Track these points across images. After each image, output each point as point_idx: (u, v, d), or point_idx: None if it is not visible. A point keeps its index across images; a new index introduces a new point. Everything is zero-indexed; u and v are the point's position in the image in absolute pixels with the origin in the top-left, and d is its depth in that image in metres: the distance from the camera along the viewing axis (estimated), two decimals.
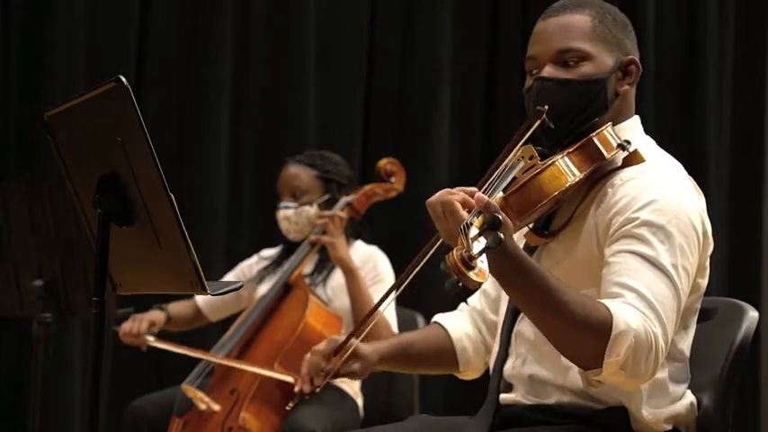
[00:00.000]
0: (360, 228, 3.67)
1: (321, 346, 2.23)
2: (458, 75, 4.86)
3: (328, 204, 3.57)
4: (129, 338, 3.46)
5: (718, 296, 2.27)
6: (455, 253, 1.69)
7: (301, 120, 4.63)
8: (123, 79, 1.77)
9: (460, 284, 1.69)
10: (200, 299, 3.72)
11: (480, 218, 1.78)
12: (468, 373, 2.36)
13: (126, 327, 3.47)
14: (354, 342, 2.20)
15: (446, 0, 4.85)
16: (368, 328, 2.20)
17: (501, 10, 4.94)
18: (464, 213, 1.83)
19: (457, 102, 4.86)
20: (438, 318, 2.38)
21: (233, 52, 4.58)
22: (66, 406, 4.28)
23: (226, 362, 3.39)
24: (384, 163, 3.59)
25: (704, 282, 2.09)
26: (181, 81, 4.55)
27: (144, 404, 3.48)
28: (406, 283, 2.14)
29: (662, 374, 2.05)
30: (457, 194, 1.88)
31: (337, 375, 2.22)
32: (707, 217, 2.06)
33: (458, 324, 2.34)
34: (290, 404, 2.30)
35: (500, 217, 1.74)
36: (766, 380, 4.94)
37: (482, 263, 1.69)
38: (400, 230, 4.58)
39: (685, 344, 2.10)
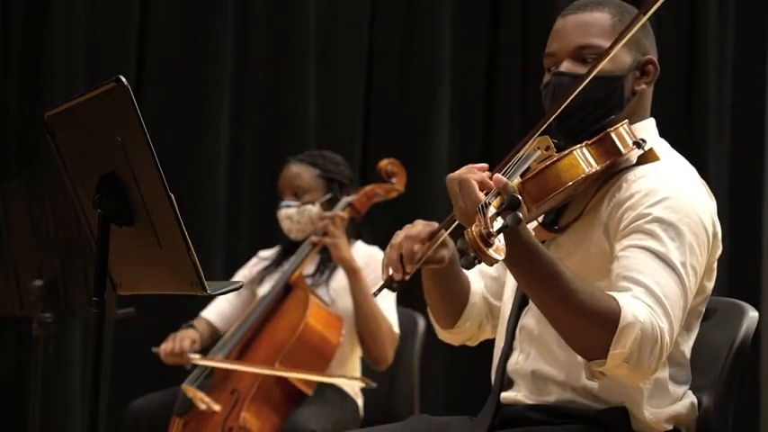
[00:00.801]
0: (360, 228, 3.67)
1: (415, 230, 2.14)
2: (458, 75, 4.86)
3: (330, 204, 3.57)
4: (172, 358, 3.41)
5: (719, 296, 2.26)
6: (474, 229, 1.71)
7: (301, 120, 4.63)
8: (123, 79, 1.77)
9: (477, 261, 1.72)
10: (210, 315, 3.69)
11: (498, 198, 1.80)
12: (455, 334, 2.31)
13: (167, 347, 3.42)
14: (445, 232, 2.13)
15: (446, 0, 4.85)
16: (455, 222, 2.09)
17: (501, 10, 4.94)
18: (480, 194, 1.85)
19: (457, 102, 4.86)
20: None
21: (233, 52, 4.58)
22: (66, 406, 4.28)
23: (284, 373, 3.35)
24: (385, 163, 3.59)
25: (711, 284, 2.09)
26: (181, 81, 4.54)
27: (144, 404, 3.48)
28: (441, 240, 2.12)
29: (663, 374, 2.05)
30: (477, 174, 1.90)
31: (428, 262, 2.14)
32: (717, 220, 2.07)
33: (475, 282, 2.32)
34: (376, 291, 2.18)
35: (519, 198, 1.76)
36: (766, 380, 4.94)
37: (499, 241, 1.72)
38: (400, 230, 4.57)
39: (687, 346, 2.10)
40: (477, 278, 2.34)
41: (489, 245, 1.70)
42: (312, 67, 4.66)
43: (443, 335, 2.34)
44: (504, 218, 1.73)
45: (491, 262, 1.71)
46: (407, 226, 2.16)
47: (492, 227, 1.71)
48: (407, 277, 2.12)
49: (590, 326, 1.87)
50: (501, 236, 1.72)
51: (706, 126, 4.96)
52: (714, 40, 5.00)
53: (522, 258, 1.88)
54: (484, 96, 4.93)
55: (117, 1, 4.46)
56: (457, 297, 2.28)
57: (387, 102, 4.84)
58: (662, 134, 2.21)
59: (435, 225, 2.15)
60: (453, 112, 4.85)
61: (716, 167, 4.95)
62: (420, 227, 2.15)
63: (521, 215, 1.73)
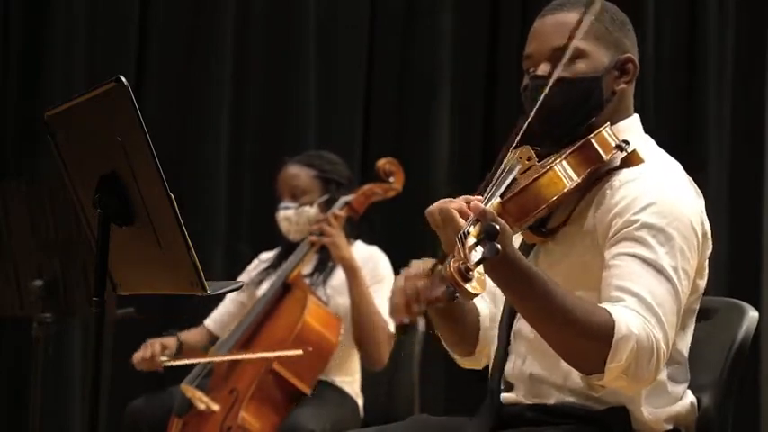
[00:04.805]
0: (359, 228, 3.67)
1: (413, 269, 1.99)
2: (458, 75, 4.86)
3: (328, 204, 3.57)
4: (145, 364, 3.45)
5: (718, 296, 2.26)
6: (452, 264, 1.68)
7: (301, 120, 4.63)
8: (123, 79, 1.78)
9: (457, 294, 1.69)
10: (209, 322, 3.71)
11: (478, 226, 1.77)
12: (476, 360, 2.27)
13: (138, 355, 3.46)
14: (441, 267, 2.01)
15: (446, 0, 4.85)
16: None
17: (501, 10, 4.94)
18: (461, 222, 1.82)
19: (457, 102, 4.86)
20: None
21: (233, 52, 4.58)
22: (66, 406, 4.28)
23: (242, 356, 3.38)
24: (383, 163, 3.59)
25: (703, 282, 2.08)
26: (181, 81, 4.54)
27: (144, 404, 3.48)
28: None
29: (661, 375, 2.05)
30: (455, 203, 1.87)
31: (434, 301, 1.96)
32: (706, 218, 2.06)
33: (481, 305, 2.29)
34: (396, 335, 2.09)
35: (497, 227, 1.72)
36: (766, 380, 4.94)
37: (480, 273, 1.69)
38: (399, 230, 4.58)
39: (684, 344, 2.10)
40: (481, 301, 2.31)
41: (468, 279, 1.67)
42: (312, 67, 4.66)
43: (465, 363, 2.29)
44: (483, 247, 1.70)
45: (470, 298, 1.69)
46: (404, 269, 2.05)
47: (470, 259, 1.68)
48: (419, 317, 2.00)
49: (585, 341, 1.86)
50: (481, 267, 1.69)
51: (706, 126, 4.95)
52: (714, 40, 5.00)
53: (511, 280, 1.86)
54: (484, 96, 4.93)
55: (117, 1, 4.46)
56: (467, 326, 2.25)
57: (387, 102, 4.84)
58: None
59: (431, 261, 2.06)
60: (453, 112, 4.85)
61: (716, 167, 4.94)
62: (417, 265, 2.04)
63: (499, 246, 1.68)
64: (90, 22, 4.40)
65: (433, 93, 4.81)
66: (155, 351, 3.44)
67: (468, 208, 1.84)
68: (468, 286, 1.67)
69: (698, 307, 2.11)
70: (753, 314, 2.23)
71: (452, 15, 4.86)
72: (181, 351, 3.52)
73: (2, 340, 4.31)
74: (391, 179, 3.58)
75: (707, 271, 2.09)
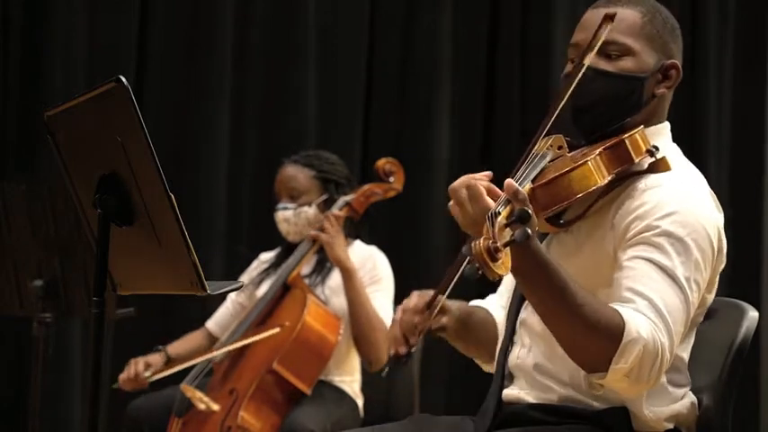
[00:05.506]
0: (359, 228, 3.67)
1: (412, 302, 2.15)
2: (458, 74, 4.86)
3: (327, 204, 3.57)
4: (130, 384, 3.44)
5: (719, 296, 2.26)
6: (482, 242, 1.68)
7: (301, 120, 4.63)
8: (123, 79, 1.78)
9: (480, 272, 1.69)
10: (210, 323, 3.72)
11: (509, 207, 1.78)
12: None
13: (123, 375, 3.45)
14: (442, 297, 2.13)
15: None
16: (452, 283, 2.11)
17: (501, 9, 4.94)
18: (490, 201, 1.83)
19: (457, 101, 4.86)
20: (475, 302, 2.34)
21: (233, 52, 4.58)
22: (66, 406, 4.28)
23: (219, 352, 3.40)
24: (383, 162, 3.59)
25: (711, 297, 2.09)
26: (181, 81, 4.55)
27: (144, 404, 3.48)
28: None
29: (661, 379, 2.05)
30: (482, 180, 1.88)
31: (429, 331, 2.14)
32: (723, 234, 2.06)
33: (496, 309, 2.32)
34: (386, 370, 2.20)
35: (529, 211, 1.72)
36: (766, 380, 4.94)
37: (506, 255, 1.69)
38: (399, 230, 4.58)
39: (686, 352, 2.11)
40: (497, 307, 2.32)
41: (495, 259, 1.67)
42: (312, 67, 4.66)
43: (488, 368, 2.32)
44: (513, 230, 1.70)
45: (495, 277, 1.69)
46: (405, 300, 2.17)
47: (500, 240, 1.68)
48: (413, 350, 2.12)
49: (593, 340, 1.87)
50: (507, 249, 1.69)
51: (706, 125, 4.96)
52: (714, 40, 5.01)
53: (529, 270, 1.87)
54: (484, 96, 4.93)
55: (117, 1, 4.46)
56: (484, 341, 2.27)
57: (387, 102, 4.84)
58: None
59: (430, 294, 2.14)
60: (453, 111, 4.85)
61: (716, 166, 4.95)
62: (416, 298, 2.16)
63: (530, 231, 1.69)
64: (90, 22, 4.40)
65: (432, 92, 4.81)
66: (138, 370, 3.44)
67: (499, 186, 1.84)
68: (495, 266, 1.67)
69: (702, 319, 2.12)
70: (753, 314, 2.23)
71: (452, 15, 4.86)
72: (173, 362, 3.51)
73: (2, 340, 4.31)
74: (391, 179, 3.58)
75: (716, 286, 2.09)
